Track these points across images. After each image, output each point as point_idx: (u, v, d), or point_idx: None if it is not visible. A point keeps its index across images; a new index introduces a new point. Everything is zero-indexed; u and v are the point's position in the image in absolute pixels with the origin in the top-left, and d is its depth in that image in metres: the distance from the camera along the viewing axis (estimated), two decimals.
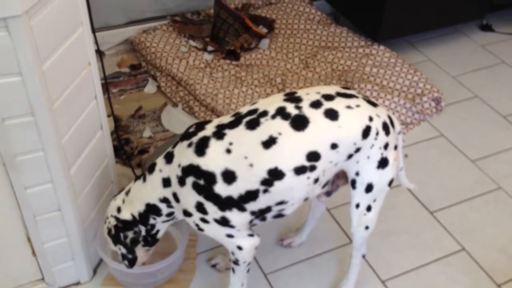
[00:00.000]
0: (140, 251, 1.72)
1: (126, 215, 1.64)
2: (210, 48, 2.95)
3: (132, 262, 1.69)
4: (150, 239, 1.69)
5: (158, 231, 1.69)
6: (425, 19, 3.09)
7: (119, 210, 1.65)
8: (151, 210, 1.61)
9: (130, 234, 1.65)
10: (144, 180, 1.61)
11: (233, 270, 1.68)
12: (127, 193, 1.66)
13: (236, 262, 1.64)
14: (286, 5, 3.26)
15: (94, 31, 1.72)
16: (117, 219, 1.65)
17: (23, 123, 1.45)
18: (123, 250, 1.66)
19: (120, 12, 3.02)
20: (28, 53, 1.34)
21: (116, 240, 1.66)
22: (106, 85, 2.06)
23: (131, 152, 2.43)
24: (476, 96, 2.85)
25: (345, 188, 1.68)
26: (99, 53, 1.99)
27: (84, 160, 1.73)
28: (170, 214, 1.63)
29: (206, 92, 2.66)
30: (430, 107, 2.70)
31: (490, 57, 3.13)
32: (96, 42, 1.80)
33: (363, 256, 1.82)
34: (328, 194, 1.80)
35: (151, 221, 1.65)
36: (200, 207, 1.50)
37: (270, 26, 3.09)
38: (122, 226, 1.64)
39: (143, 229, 1.66)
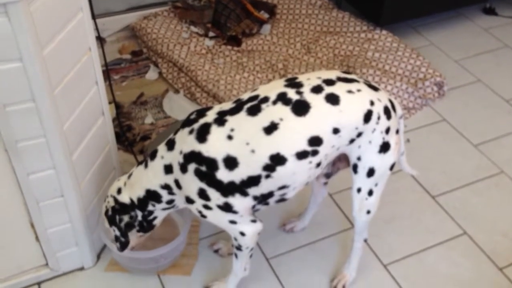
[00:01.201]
0: (133, 236, 1.72)
1: (125, 198, 1.64)
2: (211, 34, 2.94)
3: (123, 246, 1.70)
4: (146, 225, 1.69)
5: (155, 218, 1.69)
6: (428, 2, 3.07)
7: (119, 191, 1.66)
8: (151, 196, 1.62)
9: (126, 218, 1.65)
10: (146, 166, 1.61)
11: (236, 256, 1.69)
12: (129, 176, 1.67)
13: (239, 248, 1.65)
14: None
15: (94, 17, 1.72)
16: (115, 200, 1.65)
17: (25, 109, 1.45)
18: (117, 232, 1.67)
19: None
20: (28, 39, 1.34)
21: (111, 221, 1.67)
22: (108, 72, 2.06)
23: (133, 139, 2.43)
24: (479, 80, 2.83)
25: (347, 173, 1.68)
26: (100, 40, 1.98)
27: (86, 146, 1.73)
28: (170, 202, 1.63)
29: (208, 78, 2.65)
30: (432, 91, 2.69)
31: (493, 41, 3.11)
32: (97, 29, 1.80)
33: (365, 241, 1.83)
34: (327, 176, 1.80)
35: (150, 207, 1.65)
36: (202, 194, 1.50)
37: (271, 11, 3.07)
38: (119, 208, 1.64)
39: (139, 214, 1.66)
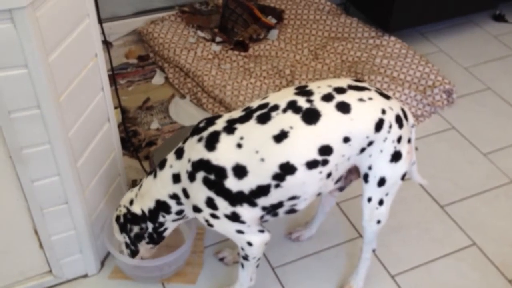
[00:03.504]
0: (143, 247, 1.71)
1: (136, 209, 1.63)
2: (218, 39, 2.92)
3: (133, 253, 1.70)
4: (156, 237, 1.68)
5: (165, 229, 1.68)
6: (437, 9, 3.04)
7: (131, 202, 1.66)
8: (161, 207, 1.60)
9: (136, 229, 1.64)
10: (155, 176, 1.60)
11: (242, 265, 1.67)
12: (140, 187, 1.66)
13: (245, 258, 1.62)
14: None
15: (101, 22, 1.70)
16: (128, 210, 1.65)
17: (30, 116, 1.44)
18: (127, 240, 1.67)
19: (128, 3, 3.00)
20: (34, 45, 1.33)
21: (122, 228, 1.67)
22: (114, 77, 2.05)
23: (138, 144, 2.42)
24: (488, 88, 2.80)
25: (355, 182, 1.66)
26: (107, 44, 1.97)
27: (91, 153, 1.71)
28: (180, 212, 1.62)
29: (214, 83, 2.63)
30: (441, 99, 2.66)
31: (503, 48, 3.08)
32: (103, 33, 1.79)
33: (373, 251, 1.80)
34: (341, 189, 1.78)
35: (160, 218, 1.63)
36: (210, 203, 1.48)
37: (279, 16, 3.06)
38: (131, 218, 1.63)
39: (150, 226, 1.65)
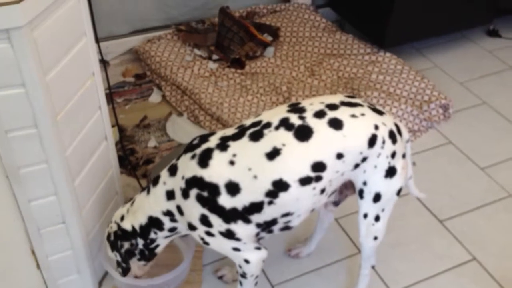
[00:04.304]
0: (134, 264, 1.69)
1: (126, 225, 1.62)
2: (215, 56, 2.94)
3: (125, 272, 1.68)
4: (147, 253, 1.67)
5: (157, 246, 1.66)
6: (431, 25, 3.07)
7: (122, 218, 1.65)
8: (153, 223, 1.59)
9: (126, 245, 1.63)
10: (148, 192, 1.59)
11: (241, 283, 1.65)
12: (132, 203, 1.65)
13: (243, 276, 1.61)
14: (291, 13, 3.25)
15: (98, 41, 1.71)
16: (118, 226, 1.64)
17: (27, 135, 1.43)
18: (119, 258, 1.65)
19: (124, 22, 3.02)
20: (31, 65, 1.33)
21: (113, 246, 1.65)
22: (111, 95, 2.05)
23: (136, 163, 2.41)
24: (484, 102, 2.82)
25: (353, 197, 1.65)
26: (104, 63, 1.98)
27: (88, 172, 1.71)
28: (172, 230, 1.61)
29: (211, 101, 2.64)
30: (437, 114, 2.67)
31: (497, 63, 3.10)
32: (100, 52, 1.79)
33: (373, 267, 1.79)
34: (336, 204, 1.77)
35: (152, 235, 1.62)
36: (204, 220, 1.48)
37: (275, 34, 3.08)
38: (121, 234, 1.62)
39: (140, 243, 1.64)
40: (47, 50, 1.38)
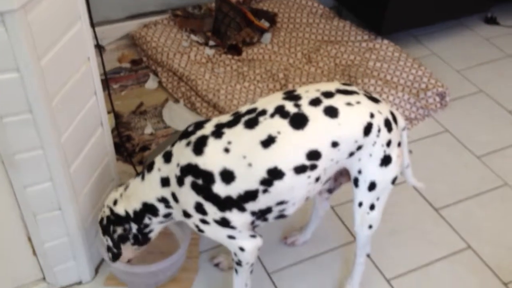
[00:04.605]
0: (128, 249, 1.69)
1: (120, 210, 1.61)
2: (211, 42, 2.92)
3: (115, 257, 1.67)
4: (141, 238, 1.66)
5: (151, 231, 1.66)
6: (429, 12, 3.05)
7: (115, 202, 1.63)
8: (148, 209, 1.59)
9: (119, 230, 1.62)
10: (143, 178, 1.58)
11: (236, 271, 1.65)
12: (126, 188, 1.64)
13: (239, 263, 1.61)
14: None
15: (93, 25, 1.69)
16: (111, 210, 1.62)
17: (22, 121, 1.42)
18: (110, 243, 1.64)
19: (121, 7, 2.99)
20: (26, 49, 1.31)
21: (105, 231, 1.64)
22: (107, 81, 2.03)
23: (132, 149, 2.40)
24: (481, 90, 2.81)
25: (349, 185, 1.65)
26: (99, 48, 1.96)
27: (84, 158, 1.70)
28: (167, 215, 1.60)
29: (208, 87, 2.62)
30: (434, 102, 2.66)
31: (495, 51, 3.09)
32: (96, 37, 1.77)
33: (368, 255, 1.79)
34: (330, 191, 1.77)
35: (146, 220, 1.62)
36: (199, 208, 1.47)
37: (272, 20, 3.05)
38: (114, 219, 1.61)
39: (134, 227, 1.63)
40: (41, 34, 1.36)
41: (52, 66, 1.43)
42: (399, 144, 1.57)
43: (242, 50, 2.90)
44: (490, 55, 3.06)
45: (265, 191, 1.44)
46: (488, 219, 2.16)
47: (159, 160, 1.56)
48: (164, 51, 2.80)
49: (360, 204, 1.60)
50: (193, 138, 1.48)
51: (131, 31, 2.99)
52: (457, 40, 3.18)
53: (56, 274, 1.81)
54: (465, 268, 1.97)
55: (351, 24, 3.06)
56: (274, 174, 1.42)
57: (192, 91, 2.66)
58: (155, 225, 1.65)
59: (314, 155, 1.43)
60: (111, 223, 1.62)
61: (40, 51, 1.37)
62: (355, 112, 1.46)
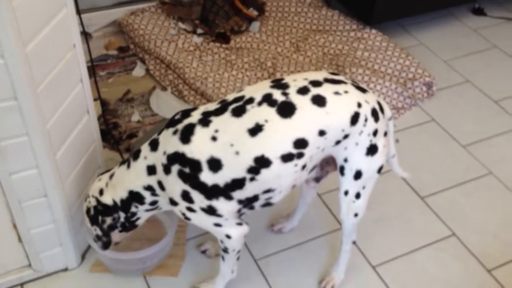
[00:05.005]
0: (115, 234, 1.69)
1: (107, 200, 1.60)
2: (199, 30, 2.90)
3: (106, 245, 1.67)
4: (128, 225, 1.66)
5: (138, 218, 1.66)
6: (417, 2, 3.06)
7: (101, 192, 1.62)
8: (134, 197, 1.58)
9: (109, 220, 1.62)
10: (128, 166, 1.58)
11: (223, 258, 1.66)
12: (110, 177, 1.63)
13: (225, 250, 1.62)
14: None
15: (79, 12, 1.68)
16: (98, 201, 1.61)
17: (6, 107, 1.41)
18: (99, 232, 1.64)
19: None
20: (10, 35, 1.29)
21: (93, 221, 1.63)
22: (93, 68, 2.02)
23: (119, 137, 2.39)
24: (467, 80, 2.83)
25: (336, 173, 1.66)
26: (86, 35, 1.94)
27: (70, 145, 1.69)
28: (153, 203, 1.60)
29: (196, 75, 2.61)
30: (421, 91, 2.68)
31: (482, 42, 3.11)
32: (82, 24, 1.76)
33: (354, 243, 1.81)
34: (317, 180, 1.78)
35: (133, 209, 1.62)
36: (186, 196, 1.47)
37: (260, 8, 3.04)
38: (102, 209, 1.61)
39: (122, 216, 1.63)
40: (26, 20, 1.35)
41: (38, 53, 1.42)
42: (385, 134, 1.58)
43: (230, 38, 2.89)
44: (477, 46, 3.08)
45: (252, 179, 1.44)
46: (473, 207, 2.18)
47: (145, 148, 1.55)
48: (151, 39, 2.78)
49: (346, 193, 1.61)
50: (180, 126, 1.47)
51: (118, 18, 2.97)
52: (444, 30, 3.19)
53: (42, 260, 1.81)
54: (449, 256, 2.00)
55: (339, 13, 3.06)
56: (261, 162, 1.42)
57: (180, 79, 2.65)
58: (142, 213, 1.65)
59: (301, 143, 1.43)
60: (99, 213, 1.61)
61: (25, 38, 1.36)
62: (342, 101, 1.47)
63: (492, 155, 2.41)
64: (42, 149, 1.53)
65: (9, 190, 1.58)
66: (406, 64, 2.74)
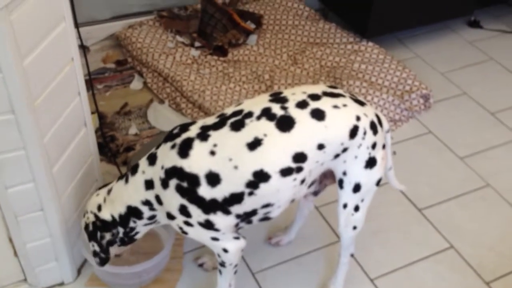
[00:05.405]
0: (114, 248, 1.68)
1: (106, 215, 1.60)
2: (197, 43, 2.92)
3: (104, 262, 1.65)
4: (127, 240, 1.66)
5: (137, 233, 1.65)
6: (413, 15, 3.08)
7: (99, 208, 1.61)
8: (132, 212, 1.58)
9: (108, 236, 1.61)
10: (127, 181, 1.57)
11: (220, 272, 1.65)
12: (108, 192, 1.62)
13: (222, 264, 1.61)
14: (274, 1, 3.23)
15: (77, 26, 1.69)
16: (96, 216, 1.61)
17: (3, 121, 1.41)
18: (97, 248, 1.63)
19: (106, 7, 2.98)
20: (8, 49, 1.30)
21: (91, 237, 1.62)
22: (91, 81, 2.02)
23: (116, 150, 2.39)
24: (464, 93, 2.84)
25: (334, 186, 1.66)
26: (83, 49, 1.95)
27: (67, 159, 1.69)
28: (151, 218, 1.60)
29: (193, 88, 2.62)
30: (418, 104, 2.69)
31: (478, 54, 3.13)
32: (80, 37, 1.77)
33: (352, 255, 1.80)
34: (315, 194, 1.78)
35: (131, 224, 1.61)
36: (183, 210, 1.47)
37: (258, 21, 3.06)
38: (101, 225, 1.60)
39: (121, 231, 1.62)
40: (24, 34, 1.35)
41: (35, 67, 1.43)
42: (383, 146, 1.59)
43: (228, 51, 2.91)
44: (473, 58, 3.10)
45: (251, 193, 1.44)
46: (470, 219, 2.18)
47: (143, 162, 1.55)
48: (149, 52, 2.79)
49: (345, 206, 1.61)
50: (178, 140, 1.47)
51: (116, 32, 2.98)
52: (441, 43, 3.21)
53: (38, 275, 1.80)
54: (447, 268, 1.99)
55: (336, 26, 3.08)
56: (260, 177, 1.42)
57: (177, 92, 2.66)
58: (140, 227, 1.64)
59: (300, 157, 1.43)
60: (98, 229, 1.60)
61: (23, 51, 1.36)
62: (341, 114, 1.47)
63: (489, 167, 2.41)
64: (39, 163, 1.53)
65: (5, 204, 1.57)
66: (403, 76, 2.76)
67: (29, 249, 1.71)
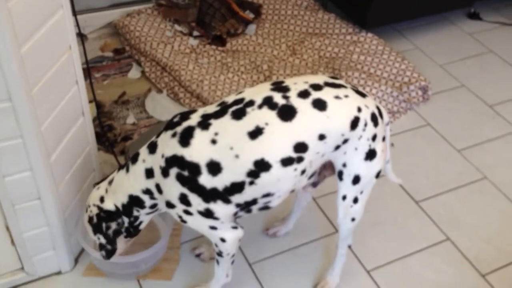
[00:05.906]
0: (121, 242, 1.68)
1: (109, 206, 1.59)
2: (195, 33, 2.90)
3: (110, 254, 1.64)
4: (133, 230, 1.65)
5: (141, 222, 1.65)
6: (413, 6, 3.07)
7: (102, 200, 1.61)
8: (134, 202, 1.57)
9: (113, 226, 1.60)
10: (127, 170, 1.57)
11: (218, 262, 1.66)
12: (110, 183, 1.62)
13: (220, 254, 1.61)
14: None
15: (75, 13, 1.67)
16: (99, 208, 1.60)
17: (0, 109, 1.40)
18: (102, 240, 1.62)
19: None
20: (6, 36, 1.29)
21: (97, 229, 1.61)
22: (88, 70, 2.01)
23: (114, 139, 2.38)
24: (463, 85, 2.84)
25: (331, 177, 1.66)
26: (81, 37, 1.94)
27: (64, 147, 1.68)
28: (153, 206, 1.59)
29: (192, 78, 2.61)
30: (417, 95, 2.69)
31: (477, 46, 3.12)
32: (78, 25, 1.75)
33: (349, 247, 1.81)
34: (314, 185, 1.78)
35: (135, 213, 1.61)
36: (183, 199, 1.47)
37: (257, 11, 3.04)
38: (105, 216, 1.59)
39: (126, 221, 1.62)
40: (22, 21, 1.34)
41: (33, 54, 1.41)
42: (383, 139, 1.58)
43: (227, 41, 2.89)
44: (472, 50, 3.09)
45: (251, 183, 1.43)
46: (467, 212, 2.19)
47: (143, 151, 1.54)
48: (147, 41, 2.78)
49: (344, 197, 1.61)
50: (179, 129, 1.46)
51: (114, 20, 2.96)
52: (440, 34, 3.20)
53: (35, 263, 1.80)
54: (444, 260, 2.00)
55: (335, 17, 3.06)
56: (261, 166, 1.41)
57: (176, 81, 2.65)
58: (144, 216, 1.63)
59: (301, 147, 1.43)
60: (103, 220, 1.59)
61: (20, 39, 1.35)
62: (343, 105, 1.46)
63: (486, 159, 2.42)
64: (36, 151, 1.52)
65: (2, 193, 1.56)
66: (402, 68, 2.75)
67: (26, 238, 1.71)
